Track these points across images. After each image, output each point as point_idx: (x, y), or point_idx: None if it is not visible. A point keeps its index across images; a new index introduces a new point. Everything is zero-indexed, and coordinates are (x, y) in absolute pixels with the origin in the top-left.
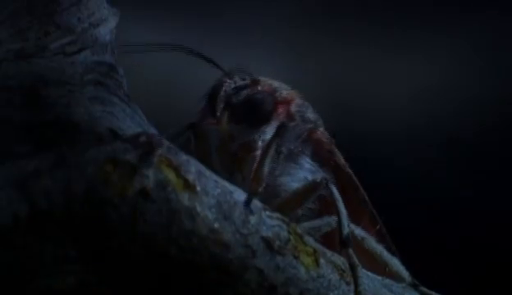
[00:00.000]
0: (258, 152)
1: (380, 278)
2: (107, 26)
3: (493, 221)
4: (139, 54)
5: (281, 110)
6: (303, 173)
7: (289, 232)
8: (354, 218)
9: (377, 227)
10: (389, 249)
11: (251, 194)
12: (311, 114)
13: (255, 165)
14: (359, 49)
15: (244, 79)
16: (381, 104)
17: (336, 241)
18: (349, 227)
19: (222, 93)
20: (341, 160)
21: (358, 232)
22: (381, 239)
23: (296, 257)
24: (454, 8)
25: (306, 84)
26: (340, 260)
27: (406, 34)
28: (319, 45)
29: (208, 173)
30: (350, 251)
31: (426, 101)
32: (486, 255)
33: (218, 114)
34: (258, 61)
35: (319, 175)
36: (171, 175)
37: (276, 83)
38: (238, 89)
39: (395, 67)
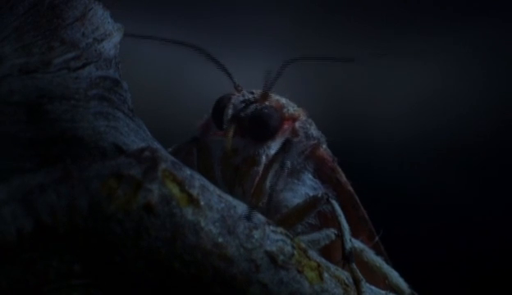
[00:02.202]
0: (261, 167)
1: (384, 292)
2: (112, 41)
3: (495, 230)
4: (139, 55)
5: (286, 126)
6: (305, 189)
7: (293, 246)
8: (353, 235)
9: (377, 246)
10: None
11: (252, 208)
12: (314, 130)
13: (257, 179)
14: (360, 52)
15: (252, 93)
16: (381, 109)
17: (334, 253)
18: (351, 241)
19: (230, 105)
20: (343, 177)
21: (358, 244)
22: None
23: (300, 272)
24: (456, 15)
25: (306, 87)
26: (344, 274)
27: (407, 40)
28: (319, 47)
29: (211, 187)
30: (354, 265)
31: (427, 108)
32: (488, 266)
33: (225, 126)
34: (258, 62)
35: (320, 191)
36: (175, 190)
37: (283, 100)
38: (246, 103)
39: (395, 72)
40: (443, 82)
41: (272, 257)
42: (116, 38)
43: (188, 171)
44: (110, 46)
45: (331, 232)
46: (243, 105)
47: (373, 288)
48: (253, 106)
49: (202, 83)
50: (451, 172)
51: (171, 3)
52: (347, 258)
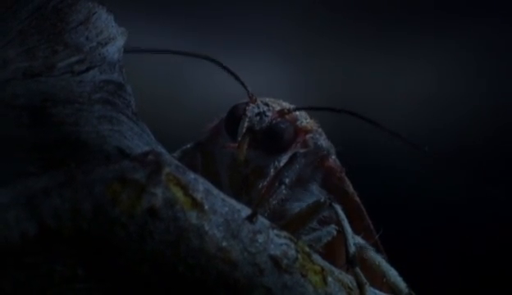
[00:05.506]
0: (268, 178)
1: None
2: (116, 45)
3: (496, 231)
4: (142, 58)
5: (298, 139)
6: (312, 199)
7: (297, 250)
8: None
9: (376, 244)
10: None
11: (255, 211)
12: (324, 141)
13: (262, 190)
14: (360, 53)
15: (267, 105)
16: (382, 110)
17: (338, 257)
18: (355, 245)
19: (246, 117)
20: (350, 188)
21: (358, 241)
22: None
23: (304, 276)
24: (456, 15)
25: (306, 87)
26: (347, 278)
27: (407, 40)
28: (320, 48)
29: (215, 191)
30: (358, 269)
31: (428, 107)
32: (487, 266)
33: (239, 138)
34: (258, 62)
35: (323, 196)
36: (179, 194)
37: (297, 112)
38: (261, 115)
39: (396, 73)
40: (443, 83)
41: (275, 261)
42: (120, 41)
43: (192, 175)
44: (114, 50)
45: (331, 228)
46: (258, 118)
47: (377, 292)
48: (268, 120)
49: (206, 87)
50: (451, 172)
51: (171, 4)
52: (351, 262)
